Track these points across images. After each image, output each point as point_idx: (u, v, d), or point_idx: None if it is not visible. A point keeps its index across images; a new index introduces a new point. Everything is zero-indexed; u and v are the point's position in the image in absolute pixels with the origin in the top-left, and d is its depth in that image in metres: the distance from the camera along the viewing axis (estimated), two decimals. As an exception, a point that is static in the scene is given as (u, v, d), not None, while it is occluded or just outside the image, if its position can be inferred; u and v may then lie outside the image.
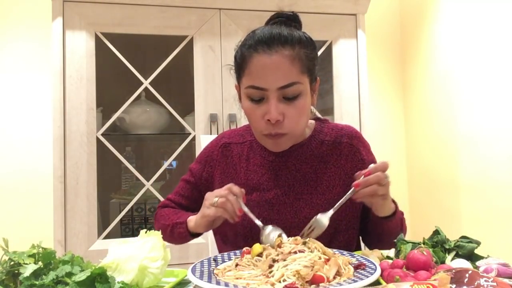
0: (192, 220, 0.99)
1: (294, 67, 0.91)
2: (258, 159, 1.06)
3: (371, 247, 1.06)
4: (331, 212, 0.90)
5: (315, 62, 0.99)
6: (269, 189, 1.03)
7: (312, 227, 0.89)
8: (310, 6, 2.00)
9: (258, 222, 0.92)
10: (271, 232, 0.90)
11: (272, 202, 1.02)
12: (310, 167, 1.03)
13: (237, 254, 0.88)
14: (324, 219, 0.89)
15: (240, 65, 0.96)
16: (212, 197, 0.91)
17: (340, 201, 0.90)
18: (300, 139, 1.05)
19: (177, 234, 1.02)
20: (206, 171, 1.10)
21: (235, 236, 1.04)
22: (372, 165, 0.89)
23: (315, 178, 1.03)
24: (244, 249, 0.85)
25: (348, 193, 0.89)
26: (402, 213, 1.07)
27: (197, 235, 1.02)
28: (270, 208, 1.01)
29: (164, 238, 1.07)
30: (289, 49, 0.91)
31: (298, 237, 0.83)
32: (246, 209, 0.92)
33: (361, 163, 1.05)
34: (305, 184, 1.02)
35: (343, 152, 1.05)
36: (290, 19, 1.00)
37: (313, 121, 1.11)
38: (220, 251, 1.10)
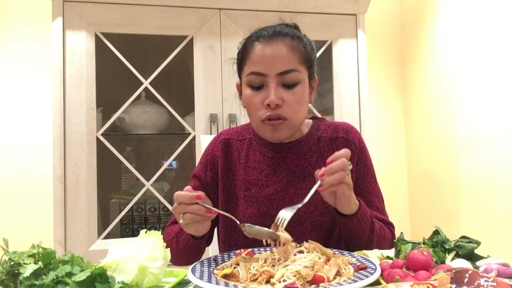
0: None
1: (293, 55, 0.96)
2: (257, 155, 1.07)
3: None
4: (297, 205, 0.86)
5: (313, 58, 1.02)
6: (268, 185, 1.04)
7: (281, 218, 0.84)
8: (310, 6, 2.01)
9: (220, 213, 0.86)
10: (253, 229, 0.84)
11: (271, 198, 1.03)
12: (308, 163, 1.05)
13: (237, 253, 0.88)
14: (290, 208, 0.85)
15: (242, 56, 1.01)
16: (177, 213, 0.85)
17: (309, 194, 0.85)
18: (298, 136, 1.07)
19: (182, 242, 0.97)
20: (210, 169, 1.10)
21: (233, 234, 1.04)
22: (335, 153, 0.85)
23: (313, 173, 1.03)
24: (238, 251, 0.86)
25: (315, 186, 0.84)
26: (385, 226, 1.04)
27: (202, 238, 0.98)
28: (270, 203, 1.02)
29: (173, 256, 0.97)
30: (289, 40, 0.97)
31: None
32: (208, 207, 0.83)
33: (356, 158, 1.06)
34: (303, 179, 1.03)
35: (340, 147, 1.05)
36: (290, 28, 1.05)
37: (310, 120, 1.13)
38: (221, 250, 1.10)
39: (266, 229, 0.82)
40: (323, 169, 0.84)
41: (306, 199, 0.85)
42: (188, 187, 0.85)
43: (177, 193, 0.83)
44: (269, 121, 0.96)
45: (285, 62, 0.94)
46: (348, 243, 1.00)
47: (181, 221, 0.84)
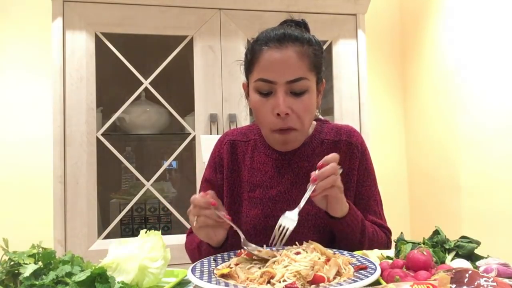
0: None
1: (303, 63, 0.95)
2: (262, 157, 1.08)
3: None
4: (296, 209, 0.88)
5: (322, 63, 1.02)
6: (272, 187, 1.04)
7: (283, 226, 0.86)
8: (310, 6, 2.00)
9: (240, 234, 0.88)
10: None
11: (275, 199, 1.03)
12: (311, 165, 1.05)
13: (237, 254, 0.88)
14: (291, 214, 0.87)
15: (251, 60, 0.99)
16: (191, 216, 0.87)
17: (304, 197, 0.87)
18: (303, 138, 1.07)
19: (204, 251, 0.98)
20: (219, 171, 1.10)
21: (235, 235, 1.04)
22: (324, 158, 0.87)
23: None
24: (238, 251, 0.86)
25: (308, 189, 0.86)
26: (377, 229, 1.03)
27: (222, 247, 0.97)
28: (273, 205, 1.03)
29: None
30: (299, 46, 0.95)
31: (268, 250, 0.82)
32: (220, 214, 0.86)
33: (358, 160, 1.06)
34: (307, 181, 1.03)
35: (342, 150, 1.06)
36: (299, 25, 1.05)
37: (314, 122, 1.14)
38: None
39: (263, 250, 0.83)
40: (316, 173, 0.85)
41: (302, 204, 0.87)
42: (210, 192, 0.87)
43: (194, 196, 0.86)
44: (279, 131, 0.97)
45: (294, 70, 0.94)
46: (341, 245, 0.99)
47: (194, 223, 0.86)
